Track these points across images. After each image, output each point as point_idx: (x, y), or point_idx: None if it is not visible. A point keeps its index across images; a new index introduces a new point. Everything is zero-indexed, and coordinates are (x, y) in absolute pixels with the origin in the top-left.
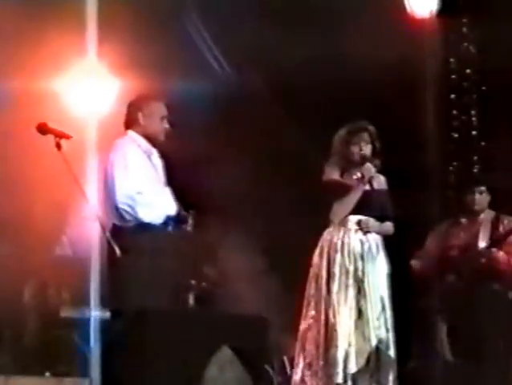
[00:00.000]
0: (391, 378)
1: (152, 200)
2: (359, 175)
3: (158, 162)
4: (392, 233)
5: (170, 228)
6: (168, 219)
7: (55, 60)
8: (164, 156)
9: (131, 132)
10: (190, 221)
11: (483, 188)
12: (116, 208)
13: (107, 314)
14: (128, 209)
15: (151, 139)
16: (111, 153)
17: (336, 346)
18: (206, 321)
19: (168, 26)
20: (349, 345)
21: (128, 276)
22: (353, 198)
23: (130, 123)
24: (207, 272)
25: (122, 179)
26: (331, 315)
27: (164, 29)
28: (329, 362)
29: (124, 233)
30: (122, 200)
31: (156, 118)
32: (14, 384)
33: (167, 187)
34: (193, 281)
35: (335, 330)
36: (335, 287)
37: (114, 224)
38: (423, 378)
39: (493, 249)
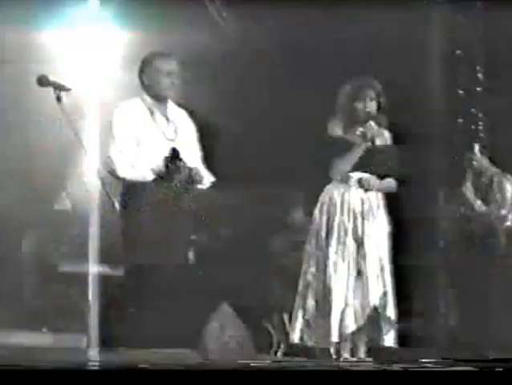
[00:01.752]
0: (391, 338)
1: (133, 159)
2: (361, 131)
3: (167, 118)
4: (395, 191)
5: (176, 181)
6: (162, 174)
7: (56, 10)
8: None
9: (143, 93)
10: (201, 176)
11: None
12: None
13: (120, 271)
14: (109, 170)
15: (157, 96)
16: None
17: (331, 305)
18: (206, 277)
19: None
20: (346, 304)
21: (128, 231)
22: (354, 155)
23: (141, 85)
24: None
25: (107, 141)
26: (328, 274)
27: None
28: (326, 321)
29: (129, 189)
30: (104, 160)
31: (160, 74)
32: (12, 339)
33: (175, 141)
34: (193, 237)
35: (332, 289)
36: (333, 245)
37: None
38: (424, 339)
39: (471, 195)
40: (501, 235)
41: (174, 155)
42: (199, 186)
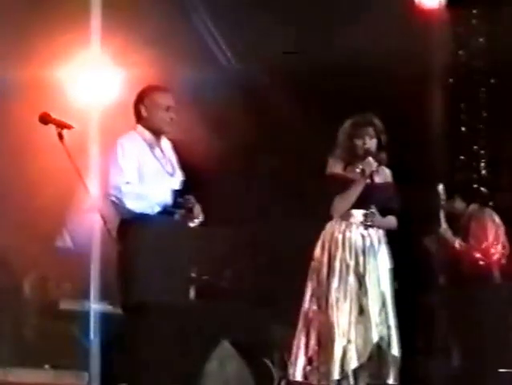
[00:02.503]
0: (394, 375)
1: (141, 190)
2: (361, 168)
3: (163, 153)
4: (396, 228)
5: (177, 216)
6: (167, 208)
7: (59, 50)
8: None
9: (138, 126)
10: (198, 214)
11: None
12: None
13: (118, 309)
14: (116, 201)
15: (155, 131)
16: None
17: (333, 342)
18: (207, 315)
19: (173, 17)
20: (348, 341)
21: (129, 269)
22: (354, 192)
23: (136, 117)
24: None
25: (112, 172)
26: (330, 311)
27: (168, 20)
28: (328, 358)
29: (127, 225)
30: (111, 191)
31: (159, 109)
32: (14, 377)
33: (174, 176)
34: (193, 274)
35: (334, 326)
36: (335, 282)
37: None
38: (426, 375)
39: (450, 235)
40: (491, 268)
41: (184, 188)
42: (191, 224)
